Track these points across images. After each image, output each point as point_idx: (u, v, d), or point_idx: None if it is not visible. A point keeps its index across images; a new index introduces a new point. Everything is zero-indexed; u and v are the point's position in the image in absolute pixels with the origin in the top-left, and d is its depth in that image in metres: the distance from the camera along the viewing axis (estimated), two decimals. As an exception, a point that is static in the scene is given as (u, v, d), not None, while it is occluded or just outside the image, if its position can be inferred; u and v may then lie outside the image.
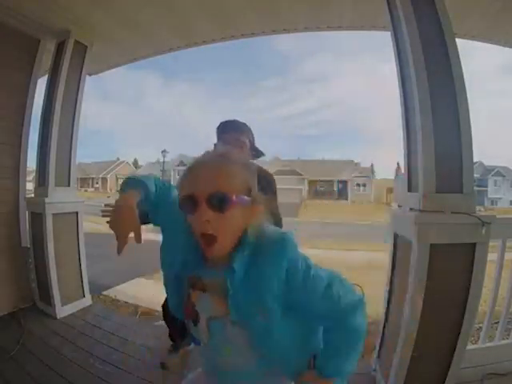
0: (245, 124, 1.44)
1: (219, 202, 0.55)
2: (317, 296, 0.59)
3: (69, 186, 2.45)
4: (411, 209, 1.39)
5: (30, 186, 2.90)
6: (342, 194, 32.17)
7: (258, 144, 1.52)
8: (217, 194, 0.54)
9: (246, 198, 0.58)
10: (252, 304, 0.57)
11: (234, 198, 0.55)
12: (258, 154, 1.50)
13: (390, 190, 29.20)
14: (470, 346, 1.58)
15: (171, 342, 1.78)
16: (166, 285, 0.70)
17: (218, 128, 1.43)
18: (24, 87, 2.49)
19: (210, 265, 0.61)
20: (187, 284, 0.65)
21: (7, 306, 2.29)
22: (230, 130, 1.39)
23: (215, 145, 1.42)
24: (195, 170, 0.59)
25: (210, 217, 0.55)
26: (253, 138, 1.45)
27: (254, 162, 1.44)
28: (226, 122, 1.44)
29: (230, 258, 0.58)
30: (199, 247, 0.59)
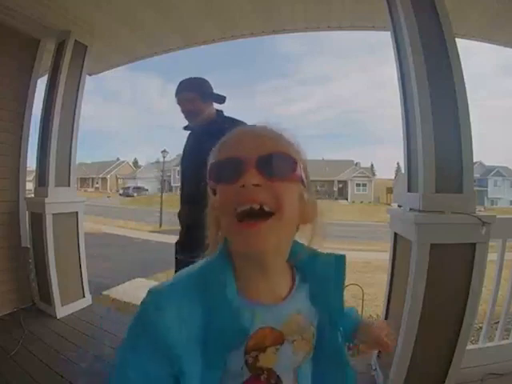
0: (193, 78, 1.48)
1: (277, 164, 0.38)
2: None
3: (69, 186, 2.45)
4: (411, 209, 1.39)
5: (29, 185, 2.90)
6: (342, 194, 32.16)
7: None
8: (274, 155, 0.39)
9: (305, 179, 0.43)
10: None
11: (299, 164, 0.40)
12: (218, 99, 1.50)
13: (389, 190, 29.21)
14: (469, 346, 1.58)
15: None
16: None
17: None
18: (24, 87, 2.49)
19: (267, 302, 0.42)
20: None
21: (7, 306, 2.29)
22: (179, 92, 1.45)
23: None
24: (241, 134, 0.43)
25: (261, 182, 0.37)
26: (205, 87, 1.47)
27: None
28: (178, 84, 1.48)
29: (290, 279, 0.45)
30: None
